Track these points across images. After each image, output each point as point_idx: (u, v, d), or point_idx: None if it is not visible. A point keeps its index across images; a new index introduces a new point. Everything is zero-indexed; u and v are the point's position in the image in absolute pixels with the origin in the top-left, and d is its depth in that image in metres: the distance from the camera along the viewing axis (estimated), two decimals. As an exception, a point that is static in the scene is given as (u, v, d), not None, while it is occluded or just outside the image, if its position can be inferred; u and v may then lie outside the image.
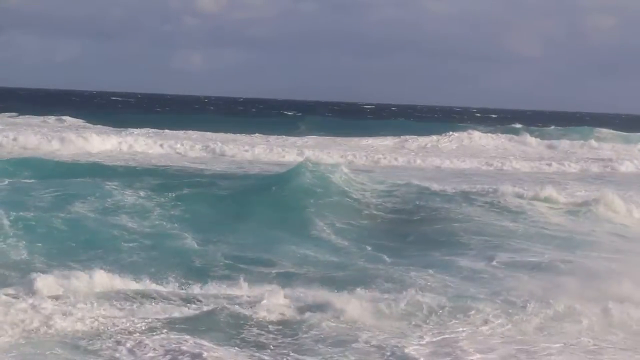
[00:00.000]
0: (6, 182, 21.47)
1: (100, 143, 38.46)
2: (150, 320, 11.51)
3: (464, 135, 52.87)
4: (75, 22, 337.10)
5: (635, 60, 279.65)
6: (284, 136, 48.74)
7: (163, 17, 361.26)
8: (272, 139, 47.03)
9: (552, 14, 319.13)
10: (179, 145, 40.50)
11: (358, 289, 13.26)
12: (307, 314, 12.00)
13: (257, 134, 48.02)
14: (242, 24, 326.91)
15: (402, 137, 50.90)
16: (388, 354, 10.56)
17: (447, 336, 11.37)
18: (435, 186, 24.78)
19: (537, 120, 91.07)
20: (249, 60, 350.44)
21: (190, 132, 47.23)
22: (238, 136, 46.78)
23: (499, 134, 54.92)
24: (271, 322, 11.73)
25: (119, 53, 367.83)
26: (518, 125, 66.96)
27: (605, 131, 60.54)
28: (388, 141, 49.63)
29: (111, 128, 49.00)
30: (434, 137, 51.21)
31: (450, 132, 53.42)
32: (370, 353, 10.59)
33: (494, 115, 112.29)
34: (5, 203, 18.36)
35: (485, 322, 11.98)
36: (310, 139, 48.79)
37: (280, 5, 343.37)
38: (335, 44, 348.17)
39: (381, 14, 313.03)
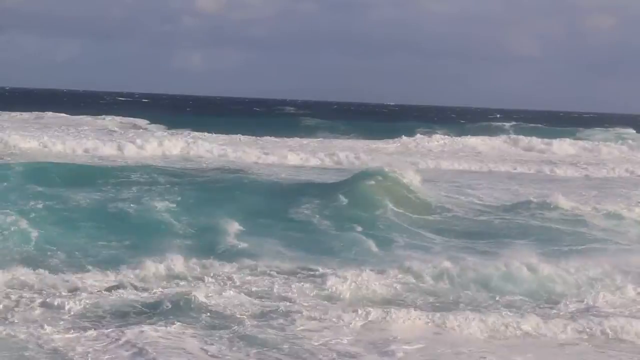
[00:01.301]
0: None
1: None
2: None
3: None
4: (75, 22, 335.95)
5: (635, 60, 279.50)
6: (306, 139, 46.89)
7: (163, 17, 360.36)
8: (293, 141, 44.67)
9: (552, 14, 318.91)
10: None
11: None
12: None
13: (267, 137, 45.63)
14: (242, 24, 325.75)
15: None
16: None
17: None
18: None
19: (540, 120, 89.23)
20: (249, 61, 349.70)
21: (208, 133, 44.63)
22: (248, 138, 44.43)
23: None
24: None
25: (119, 53, 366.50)
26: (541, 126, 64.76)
27: None
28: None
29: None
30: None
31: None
32: None
33: (498, 115, 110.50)
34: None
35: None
36: (338, 142, 46.69)
37: (280, 5, 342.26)
38: (335, 44, 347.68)
39: (381, 14, 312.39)
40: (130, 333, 10.34)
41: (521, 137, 51.04)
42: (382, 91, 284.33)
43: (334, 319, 11.42)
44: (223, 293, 12.35)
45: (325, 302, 12.46)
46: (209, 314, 11.40)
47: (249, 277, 13.62)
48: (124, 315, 11.34)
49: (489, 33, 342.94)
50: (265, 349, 10.26)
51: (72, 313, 11.30)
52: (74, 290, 12.32)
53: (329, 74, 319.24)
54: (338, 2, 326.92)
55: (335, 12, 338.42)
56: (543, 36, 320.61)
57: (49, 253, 14.88)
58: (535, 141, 49.42)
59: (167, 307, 11.52)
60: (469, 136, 50.53)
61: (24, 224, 16.05)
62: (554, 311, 12.72)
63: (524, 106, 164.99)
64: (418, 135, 49.16)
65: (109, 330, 10.52)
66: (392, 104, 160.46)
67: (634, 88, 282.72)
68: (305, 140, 46.13)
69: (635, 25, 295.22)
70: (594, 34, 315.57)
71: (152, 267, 13.60)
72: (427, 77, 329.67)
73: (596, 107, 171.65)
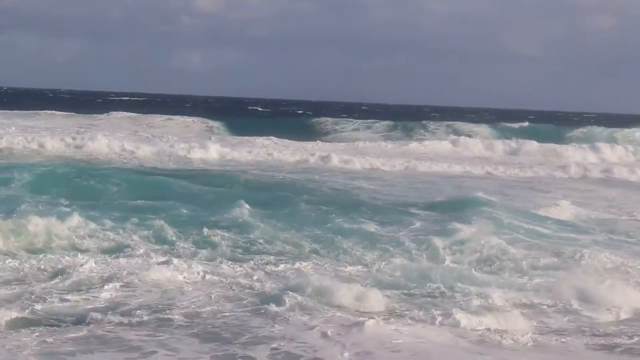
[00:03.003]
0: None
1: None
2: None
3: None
4: (75, 22, 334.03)
5: (636, 60, 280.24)
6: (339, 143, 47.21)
7: (162, 17, 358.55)
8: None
9: (552, 14, 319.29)
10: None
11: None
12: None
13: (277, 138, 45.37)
14: (242, 24, 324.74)
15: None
16: None
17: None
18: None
19: (542, 120, 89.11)
20: (249, 60, 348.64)
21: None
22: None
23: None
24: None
25: (119, 53, 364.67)
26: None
27: None
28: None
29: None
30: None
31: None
32: None
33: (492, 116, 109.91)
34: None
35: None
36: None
37: (280, 5, 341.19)
38: (335, 44, 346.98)
39: (381, 14, 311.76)
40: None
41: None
42: (382, 91, 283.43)
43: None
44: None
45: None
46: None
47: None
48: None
49: (489, 33, 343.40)
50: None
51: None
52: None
53: (329, 74, 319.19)
54: (338, 2, 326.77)
55: (335, 12, 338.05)
56: (543, 36, 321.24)
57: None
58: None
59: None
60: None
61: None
62: None
63: (524, 106, 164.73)
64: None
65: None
66: (390, 103, 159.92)
67: (634, 88, 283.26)
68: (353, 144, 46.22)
69: (635, 25, 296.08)
70: (594, 34, 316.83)
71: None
72: (427, 77, 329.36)
73: (596, 107, 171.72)
